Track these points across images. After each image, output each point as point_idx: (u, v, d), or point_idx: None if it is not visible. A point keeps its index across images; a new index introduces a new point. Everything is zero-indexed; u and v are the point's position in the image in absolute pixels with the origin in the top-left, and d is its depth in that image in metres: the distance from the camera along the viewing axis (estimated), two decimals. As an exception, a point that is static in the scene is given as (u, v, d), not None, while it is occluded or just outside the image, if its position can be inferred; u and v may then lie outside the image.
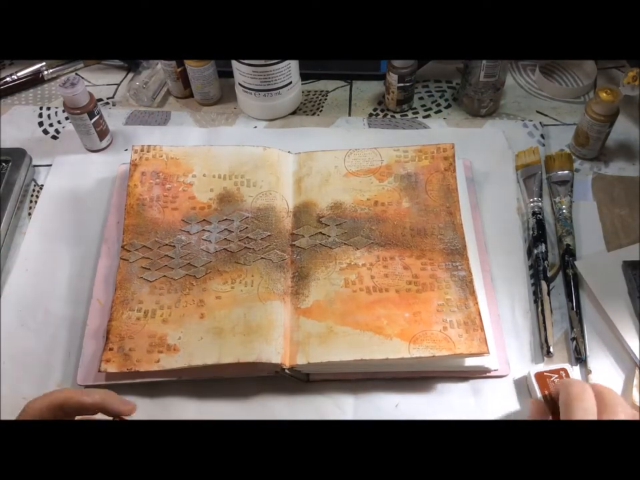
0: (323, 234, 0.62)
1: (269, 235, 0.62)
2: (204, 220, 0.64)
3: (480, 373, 0.56)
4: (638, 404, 0.52)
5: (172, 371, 0.55)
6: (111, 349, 0.56)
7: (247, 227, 0.63)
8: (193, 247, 0.62)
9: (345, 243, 0.62)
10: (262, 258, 0.61)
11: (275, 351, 0.54)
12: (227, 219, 0.64)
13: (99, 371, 0.55)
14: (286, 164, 0.69)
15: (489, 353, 0.54)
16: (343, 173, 0.67)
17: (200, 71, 0.76)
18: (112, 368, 0.55)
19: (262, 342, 0.55)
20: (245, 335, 0.55)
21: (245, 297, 0.58)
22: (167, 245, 0.62)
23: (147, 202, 0.65)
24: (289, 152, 0.70)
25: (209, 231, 0.63)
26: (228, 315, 0.57)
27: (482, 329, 0.55)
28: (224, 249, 0.62)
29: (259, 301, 0.58)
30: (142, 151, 0.69)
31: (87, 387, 0.56)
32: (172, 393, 0.56)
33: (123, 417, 0.47)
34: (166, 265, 0.61)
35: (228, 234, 0.63)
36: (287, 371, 0.54)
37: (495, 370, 0.56)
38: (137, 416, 0.47)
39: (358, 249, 0.61)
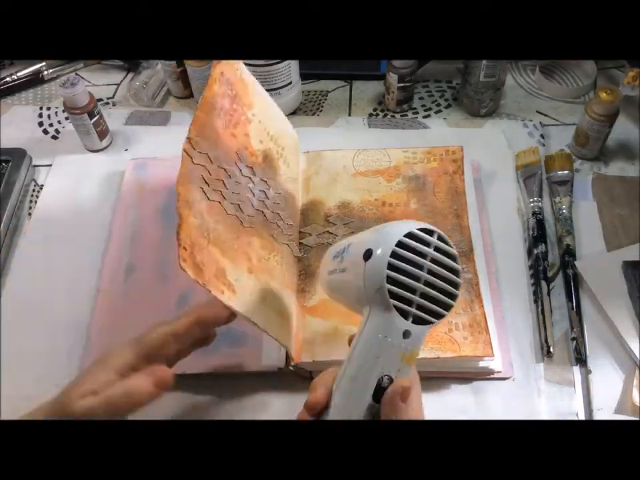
0: (330, 233, 0.62)
1: (291, 225, 0.61)
2: (251, 167, 0.58)
3: (484, 375, 0.56)
4: (638, 404, 0.52)
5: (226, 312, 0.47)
6: (185, 249, 0.45)
7: (278, 203, 0.60)
8: (242, 188, 0.56)
9: None
10: (286, 244, 0.60)
11: (292, 345, 0.54)
12: (266, 181, 0.59)
13: (180, 265, 0.44)
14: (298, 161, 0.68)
15: (493, 355, 0.54)
16: (352, 173, 0.67)
17: (200, 71, 0.76)
18: (189, 269, 0.44)
19: (288, 331, 0.54)
20: (279, 315, 0.53)
21: (277, 275, 0.55)
22: (224, 169, 0.54)
23: (217, 107, 0.56)
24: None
25: (253, 182, 0.58)
26: (268, 283, 0.53)
27: (487, 331, 0.55)
28: (262, 211, 0.58)
29: (285, 287, 0.57)
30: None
31: None
32: (182, 388, 0.55)
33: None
34: (220, 192, 0.53)
35: (265, 198, 0.59)
36: (290, 367, 0.54)
37: (498, 372, 0.56)
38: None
39: None
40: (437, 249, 0.41)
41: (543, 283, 0.61)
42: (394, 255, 0.39)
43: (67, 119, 0.78)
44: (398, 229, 0.40)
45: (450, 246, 0.41)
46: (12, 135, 0.77)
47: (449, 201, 0.64)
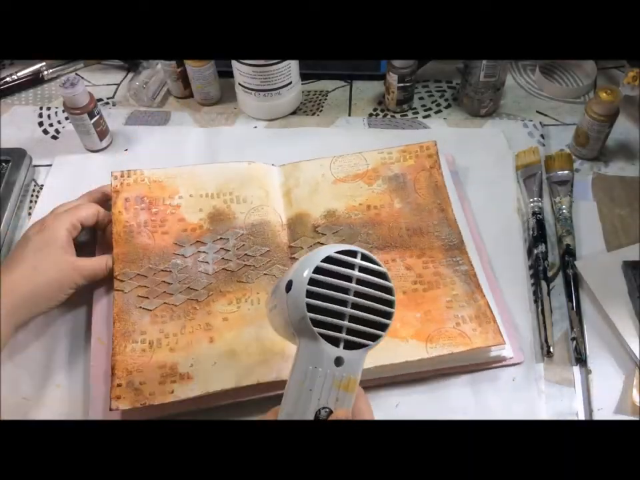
0: (321, 243, 0.62)
1: (268, 250, 0.61)
2: (198, 241, 0.62)
3: (496, 362, 0.56)
4: (638, 404, 0.52)
5: (188, 401, 0.52)
6: (119, 385, 0.52)
7: (243, 244, 0.61)
8: (191, 269, 0.60)
9: None
10: (265, 274, 0.60)
11: None
12: (221, 238, 0.62)
13: (110, 409, 0.51)
14: (271, 177, 0.67)
15: (504, 343, 0.54)
16: (331, 181, 0.67)
17: (200, 71, 0.76)
18: (124, 405, 0.51)
19: (279, 360, 0.53)
20: (260, 354, 0.54)
21: (253, 316, 0.57)
22: (162, 270, 0.60)
23: (135, 228, 0.62)
24: (272, 164, 0.68)
25: (204, 252, 0.61)
26: (239, 335, 0.55)
27: (494, 320, 0.55)
28: (223, 268, 0.60)
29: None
30: (122, 176, 0.65)
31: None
32: None
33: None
34: (164, 292, 0.58)
35: (225, 253, 0.61)
36: None
37: (510, 358, 0.56)
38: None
39: None
40: (363, 270, 0.40)
41: (543, 283, 0.61)
42: (312, 282, 0.38)
43: (66, 118, 0.78)
44: (316, 255, 0.39)
45: (377, 264, 0.40)
46: (12, 135, 0.77)
47: (431, 196, 0.65)
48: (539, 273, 0.61)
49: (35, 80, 0.84)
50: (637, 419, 0.52)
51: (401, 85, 0.75)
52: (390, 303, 0.40)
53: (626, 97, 0.71)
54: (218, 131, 0.76)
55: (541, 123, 0.76)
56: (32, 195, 0.72)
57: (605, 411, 0.54)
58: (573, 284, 0.61)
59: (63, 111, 0.78)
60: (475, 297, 0.57)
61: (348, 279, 0.39)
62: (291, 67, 0.73)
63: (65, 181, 0.72)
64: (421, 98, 0.81)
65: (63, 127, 0.78)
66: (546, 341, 0.57)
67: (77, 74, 0.84)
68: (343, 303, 0.39)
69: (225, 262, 0.61)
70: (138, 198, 0.64)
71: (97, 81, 0.84)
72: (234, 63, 0.73)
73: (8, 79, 0.82)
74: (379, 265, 0.41)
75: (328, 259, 0.39)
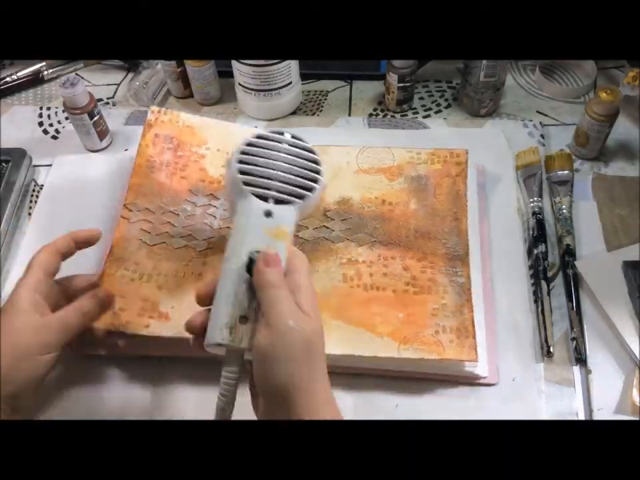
0: (327, 227, 0.62)
1: None
2: (211, 194, 0.64)
3: (468, 379, 0.56)
4: (638, 404, 0.52)
5: (161, 342, 0.54)
6: None
7: None
8: (197, 219, 0.62)
9: (347, 239, 0.62)
10: None
11: None
12: None
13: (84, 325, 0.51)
14: None
15: (477, 360, 0.54)
16: (354, 170, 0.67)
17: (200, 71, 0.76)
18: (99, 324, 0.53)
19: None
20: None
21: None
22: (170, 212, 0.62)
23: (157, 165, 0.64)
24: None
25: (214, 206, 0.63)
26: None
27: (474, 336, 0.55)
28: (228, 227, 0.61)
29: None
30: (159, 112, 0.68)
31: (83, 355, 0.57)
32: (167, 377, 0.56)
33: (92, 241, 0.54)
34: (167, 232, 0.61)
35: None
36: None
37: (484, 377, 0.55)
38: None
39: (360, 245, 0.61)
40: (291, 145, 0.48)
41: (543, 283, 0.61)
42: (244, 153, 0.47)
43: (66, 119, 0.78)
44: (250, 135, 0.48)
45: (302, 141, 0.48)
46: (12, 135, 0.77)
47: (449, 203, 0.64)
48: (538, 273, 0.61)
49: (35, 80, 0.84)
50: (637, 419, 0.52)
51: (401, 84, 0.75)
52: (317, 171, 0.48)
53: (626, 97, 0.71)
54: (218, 131, 0.76)
55: (541, 122, 0.76)
56: (32, 195, 0.72)
57: (604, 411, 0.54)
58: (573, 284, 0.61)
59: (63, 111, 0.78)
60: (462, 310, 0.56)
61: (277, 151, 0.47)
62: (290, 67, 0.73)
63: (65, 181, 0.72)
64: (421, 98, 0.81)
65: (63, 127, 0.78)
66: (546, 340, 0.57)
67: (77, 74, 0.84)
68: (273, 169, 0.46)
69: (230, 221, 0.61)
70: (167, 137, 0.67)
71: (97, 81, 0.84)
72: (234, 63, 0.73)
73: (8, 79, 0.82)
74: (305, 142, 0.49)
75: (259, 136, 0.48)
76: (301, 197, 0.47)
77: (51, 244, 0.53)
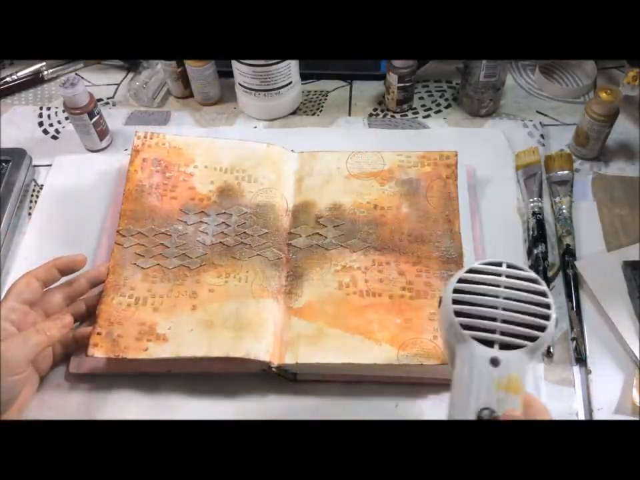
0: (320, 234, 0.62)
1: (267, 232, 0.62)
2: (202, 212, 0.64)
3: None
4: (638, 404, 0.52)
5: (160, 362, 0.55)
6: (99, 334, 0.55)
7: (244, 222, 0.63)
8: (189, 237, 0.62)
9: (341, 245, 0.62)
10: (258, 255, 0.61)
11: (264, 348, 0.54)
12: (225, 213, 0.64)
13: (86, 355, 0.54)
14: (288, 162, 0.68)
15: None
16: (345, 175, 0.67)
17: (200, 71, 0.76)
18: (99, 353, 0.54)
19: (252, 339, 0.55)
20: (235, 330, 0.55)
21: (238, 292, 0.58)
22: (163, 233, 0.62)
23: (146, 188, 0.65)
24: (292, 150, 0.70)
25: (206, 223, 0.63)
26: (220, 308, 0.57)
27: None
28: (220, 242, 0.62)
29: (251, 298, 0.58)
30: (145, 137, 0.68)
31: (79, 375, 0.56)
32: (163, 388, 0.56)
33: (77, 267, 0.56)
34: (160, 254, 0.61)
35: (225, 227, 0.63)
36: (274, 369, 0.54)
37: None
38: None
39: (354, 251, 0.61)
40: (511, 277, 0.43)
41: (543, 283, 0.61)
42: (458, 291, 0.42)
43: (66, 119, 0.78)
44: (460, 270, 0.44)
45: (523, 270, 0.43)
46: (12, 135, 0.77)
47: (441, 206, 0.64)
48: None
49: (35, 80, 0.84)
50: (637, 419, 0.52)
51: (401, 84, 0.75)
52: (547, 306, 0.42)
53: (626, 97, 0.71)
54: (218, 131, 0.76)
55: (541, 122, 0.76)
56: (32, 195, 0.72)
57: (604, 410, 0.54)
58: (573, 284, 0.61)
59: (63, 111, 0.78)
60: None
61: (496, 285, 0.42)
62: (290, 67, 0.73)
63: (65, 181, 0.72)
64: (421, 98, 0.81)
65: (63, 127, 0.78)
66: (546, 341, 0.57)
67: (76, 74, 0.84)
68: (494, 307, 0.41)
69: (223, 236, 0.62)
70: (155, 160, 0.67)
71: (97, 81, 0.84)
72: (234, 63, 0.73)
73: (8, 78, 0.82)
74: (526, 270, 0.43)
75: (471, 270, 0.43)
76: (531, 338, 0.41)
77: (32, 271, 0.55)
